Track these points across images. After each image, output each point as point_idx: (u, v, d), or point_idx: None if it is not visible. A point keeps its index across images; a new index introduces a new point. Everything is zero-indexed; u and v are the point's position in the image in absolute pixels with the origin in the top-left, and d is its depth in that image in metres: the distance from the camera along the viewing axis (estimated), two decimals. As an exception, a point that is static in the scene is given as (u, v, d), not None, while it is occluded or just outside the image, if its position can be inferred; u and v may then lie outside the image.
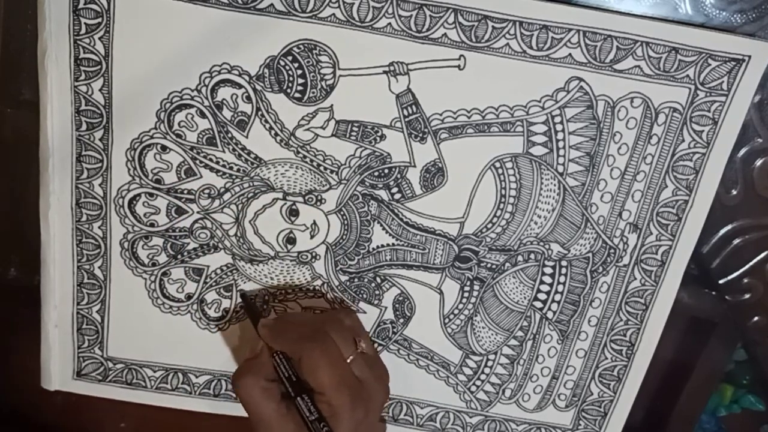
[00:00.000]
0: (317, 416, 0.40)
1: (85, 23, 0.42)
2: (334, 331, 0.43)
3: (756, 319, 0.50)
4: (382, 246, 0.48)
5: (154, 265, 0.48)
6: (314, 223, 0.47)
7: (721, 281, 0.49)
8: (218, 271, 0.48)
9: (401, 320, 0.50)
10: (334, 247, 0.48)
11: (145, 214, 0.46)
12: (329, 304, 0.49)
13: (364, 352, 0.44)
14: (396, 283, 0.49)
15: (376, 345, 0.50)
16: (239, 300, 0.49)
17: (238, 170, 0.45)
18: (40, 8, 0.41)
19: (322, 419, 0.40)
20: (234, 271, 0.48)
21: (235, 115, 0.44)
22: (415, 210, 0.47)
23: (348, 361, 0.42)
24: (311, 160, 0.45)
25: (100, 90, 0.43)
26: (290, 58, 0.43)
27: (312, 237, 0.47)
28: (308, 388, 0.41)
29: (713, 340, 0.50)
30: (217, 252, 0.48)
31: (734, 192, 0.47)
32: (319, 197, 0.46)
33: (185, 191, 0.46)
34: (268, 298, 0.49)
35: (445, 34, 0.42)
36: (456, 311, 0.49)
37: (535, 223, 0.47)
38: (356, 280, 0.49)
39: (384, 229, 0.47)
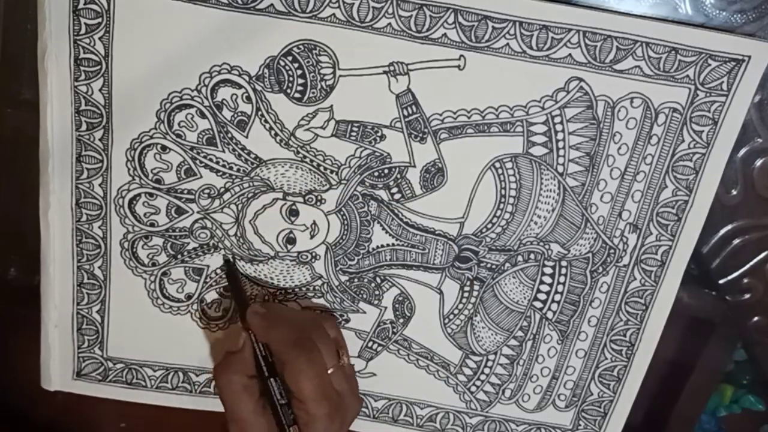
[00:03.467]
0: (287, 402, 0.42)
1: (85, 23, 0.41)
2: (320, 340, 0.44)
3: (756, 319, 0.50)
4: (382, 246, 0.48)
5: (154, 265, 0.48)
6: (314, 223, 0.47)
7: (721, 281, 0.49)
8: (218, 271, 0.48)
9: (401, 320, 0.50)
10: (334, 247, 0.48)
11: (145, 214, 0.46)
12: (329, 304, 0.49)
13: (344, 365, 0.45)
14: (396, 283, 0.49)
15: (375, 345, 0.50)
16: (223, 269, 0.48)
17: (238, 170, 0.45)
18: (40, 8, 0.41)
19: (291, 408, 0.42)
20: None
21: (235, 115, 0.44)
22: (415, 210, 0.47)
23: (329, 372, 0.43)
24: (311, 160, 0.45)
25: (100, 90, 0.43)
26: (290, 58, 0.43)
27: (312, 237, 0.47)
28: (286, 389, 0.42)
29: (713, 340, 0.50)
30: (217, 252, 0.48)
31: (734, 192, 0.47)
32: (319, 197, 0.46)
33: (185, 191, 0.46)
34: (268, 298, 0.49)
35: (445, 34, 0.42)
36: (456, 311, 0.49)
37: (535, 223, 0.47)
38: (356, 280, 0.49)
39: (384, 229, 0.47)
